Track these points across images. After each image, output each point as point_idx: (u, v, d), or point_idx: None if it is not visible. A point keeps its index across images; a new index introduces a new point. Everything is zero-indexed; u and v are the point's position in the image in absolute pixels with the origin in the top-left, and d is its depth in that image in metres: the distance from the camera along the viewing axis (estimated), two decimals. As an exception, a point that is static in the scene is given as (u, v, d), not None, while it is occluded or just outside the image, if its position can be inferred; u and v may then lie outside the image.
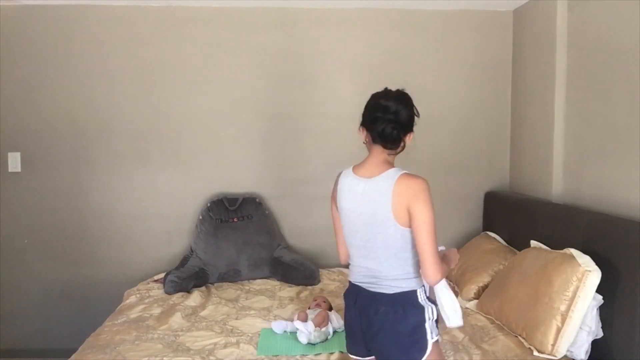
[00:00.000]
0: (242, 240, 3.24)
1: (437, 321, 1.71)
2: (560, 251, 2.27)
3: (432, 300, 1.73)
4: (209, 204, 3.34)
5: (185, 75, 3.40)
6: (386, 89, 1.75)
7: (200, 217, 3.31)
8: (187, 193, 3.43)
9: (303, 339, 2.28)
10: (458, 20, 3.45)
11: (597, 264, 2.09)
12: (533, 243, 2.56)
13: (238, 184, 3.46)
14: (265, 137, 3.46)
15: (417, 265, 1.67)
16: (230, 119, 3.44)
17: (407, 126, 1.70)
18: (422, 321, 1.67)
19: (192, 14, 3.36)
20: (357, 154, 3.44)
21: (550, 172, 2.94)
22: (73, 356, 2.18)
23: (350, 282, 1.83)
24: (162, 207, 3.43)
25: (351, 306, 1.78)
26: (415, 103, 1.79)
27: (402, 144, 1.71)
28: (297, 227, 3.50)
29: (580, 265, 2.10)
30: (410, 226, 1.63)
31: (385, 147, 1.69)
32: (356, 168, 1.76)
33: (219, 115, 3.43)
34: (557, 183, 2.92)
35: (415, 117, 1.72)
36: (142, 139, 3.40)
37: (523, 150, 3.33)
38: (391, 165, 1.72)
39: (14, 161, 3.34)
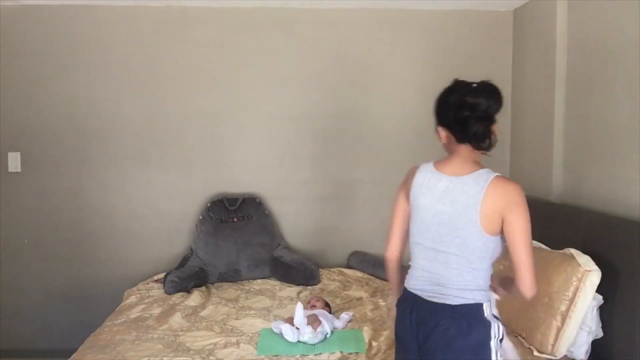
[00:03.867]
0: (242, 240, 3.24)
1: (501, 340, 1.57)
2: (560, 251, 2.27)
3: (497, 316, 1.59)
4: (209, 204, 3.34)
5: (185, 75, 3.39)
6: (462, 81, 1.57)
7: (200, 217, 3.31)
8: (187, 193, 3.43)
9: (290, 337, 2.28)
10: (458, 20, 3.44)
11: (597, 264, 2.09)
12: (533, 243, 2.55)
13: (238, 184, 3.46)
14: (266, 137, 3.46)
15: (489, 277, 1.57)
16: (230, 119, 3.44)
17: (494, 119, 1.54)
18: (488, 339, 1.51)
19: (192, 14, 3.36)
20: (357, 153, 3.46)
21: (550, 172, 2.94)
22: (73, 356, 2.18)
23: (406, 289, 1.67)
24: (162, 207, 3.43)
25: (406, 315, 1.62)
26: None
27: (493, 138, 1.54)
28: (297, 227, 3.50)
29: (580, 265, 2.10)
30: (496, 234, 1.51)
31: (476, 147, 1.55)
32: (439, 164, 1.61)
33: (219, 115, 3.43)
34: (557, 183, 2.91)
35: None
36: (142, 139, 3.40)
37: (523, 150, 3.33)
38: (480, 165, 1.57)
39: (14, 161, 3.34)
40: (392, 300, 1.81)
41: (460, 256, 1.53)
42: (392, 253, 1.75)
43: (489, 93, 1.53)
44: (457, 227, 1.52)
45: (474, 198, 1.49)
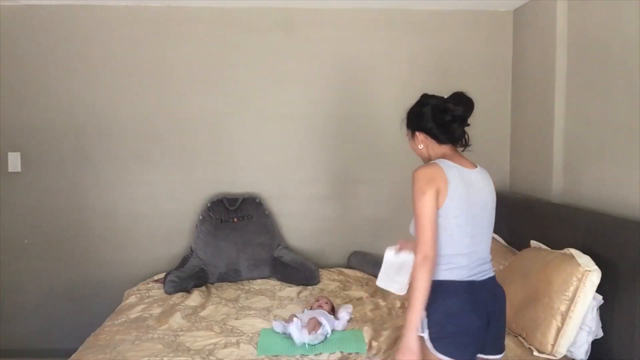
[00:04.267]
0: (242, 240, 3.24)
1: None
2: (560, 251, 2.27)
3: None
4: (209, 204, 3.34)
5: (185, 75, 3.40)
6: (432, 95, 1.83)
7: (200, 217, 3.31)
8: (187, 193, 3.43)
9: (297, 337, 2.27)
10: (458, 20, 3.44)
11: (597, 264, 2.09)
12: (533, 243, 2.56)
13: (238, 184, 3.46)
14: (266, 137, 3.46)
15: None
16: (230, 119, 3.44)
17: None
18: None
19: (192, 14, 3.36)
20: (357, 153, 3.46)
21: (550, 172, 2.94)
22: (73, 356, 2.18)
23: (454, 282, 1.69)
24: (162, 207, 3.43)
25: (474, 305, 1.68)
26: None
27: (467, 137, 1.83)
28: (297, 227, 3.50)
29: (580, 265, 2.10)
30: None
31: (457, 145, 1.82)
32: (454, 160, 1.76)
33: (219, 115, 3.43)
34: (557, 183, 2.91)
35: None
36: (143, 139, 3.40)
37: (523, 150, 3.33)
38: None
39: (14, 161, 3.34)
40: (417, 320, 1.65)
41: (490, 233, 1.83)
42: (435, 253, 1.68)
43: (466, 102, 1.75)
44: (492, 208, 1.83)
45: (491, 185, 1.84)
